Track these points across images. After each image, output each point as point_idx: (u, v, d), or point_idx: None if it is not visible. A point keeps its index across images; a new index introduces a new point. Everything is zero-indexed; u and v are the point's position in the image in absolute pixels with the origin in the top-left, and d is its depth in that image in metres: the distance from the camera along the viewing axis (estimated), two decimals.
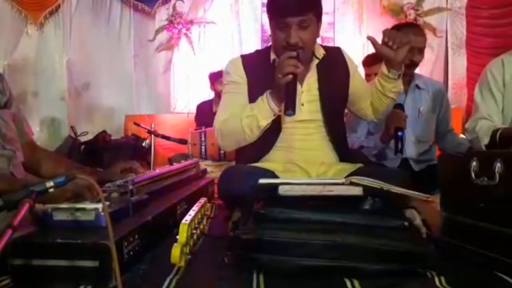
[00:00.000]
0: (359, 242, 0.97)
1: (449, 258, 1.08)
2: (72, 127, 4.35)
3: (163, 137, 3.23)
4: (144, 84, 5.02)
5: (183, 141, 3.28)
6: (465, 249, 1.09)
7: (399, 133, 1.96)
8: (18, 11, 4.83)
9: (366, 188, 1.08)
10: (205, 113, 3.88)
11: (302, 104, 1.62)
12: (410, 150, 2.20)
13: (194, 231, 1.13)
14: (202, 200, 1.32)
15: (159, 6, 4.91)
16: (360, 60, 3.22)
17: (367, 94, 1.76)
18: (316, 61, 1.67)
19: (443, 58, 4.78)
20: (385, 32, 1.57)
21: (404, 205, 1.26)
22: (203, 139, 3.26)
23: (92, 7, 4.92)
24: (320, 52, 1.68)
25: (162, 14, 4.97)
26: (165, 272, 0.97)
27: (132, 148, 4.09)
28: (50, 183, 0.88)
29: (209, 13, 4.95)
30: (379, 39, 1.58)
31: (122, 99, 4.96)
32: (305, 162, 1.60)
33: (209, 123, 3.25)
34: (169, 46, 4.96)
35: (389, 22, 4.51)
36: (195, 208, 1.19)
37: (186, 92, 4.97)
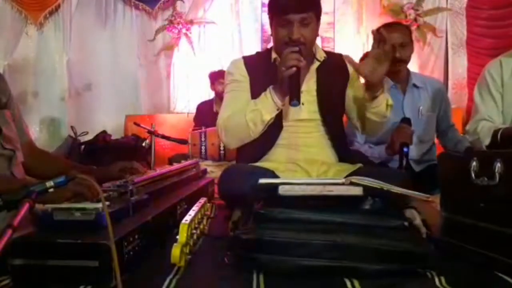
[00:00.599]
0: (359, 242, 0.97)
1: (449, 258, 1.08)
2: (72, 127, 4.34)
3: (163, 137, 3.23)
4: (144, 84, 5.02)
5: (183, 141, 3.28)
6: (465, 249, 1.09)
7: (405, 149, 1.92)
8: (18, 11, 4.83)
9: (366, 188, 1.08)
10: (205, 113, 3.88)
11: (302, 104, 1.63)
12: (412, 150, 2.19)
13: (194, 231, 1.13)
14: (202, 200, 1.32)
15: (160, 6, 4.91)
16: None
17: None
18: (316, 64, 1.68)
19: (443, 58, 4.78)
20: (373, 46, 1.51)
21: (404, 205, 1.26)
22: (203, 139, 3.26)
23: (92, 7, 4.91)
24: (321, 55, 1.70)
25: (162, 14, 4.97)
26: (165, 272, 0.97)
27: (132, 148, 4.09)
28: (50, 183, 0.88)
29: (209, 13, 4.95)
30: None
31: (122, 99, 4.95)
32: (306, 161, 1.61)
33: (209, 123, 3.27)
34: (169, 46, 4.96)
35: None
36: (195, 208, 1.19)
37: (186, 92, 4.97)
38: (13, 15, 4.83)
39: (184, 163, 1.95)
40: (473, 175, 1.11)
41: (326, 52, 1.75)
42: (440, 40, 4.75)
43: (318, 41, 1.71)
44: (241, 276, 0.97)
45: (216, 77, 3.87)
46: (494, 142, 1.73)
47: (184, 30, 4.92)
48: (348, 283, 0.93)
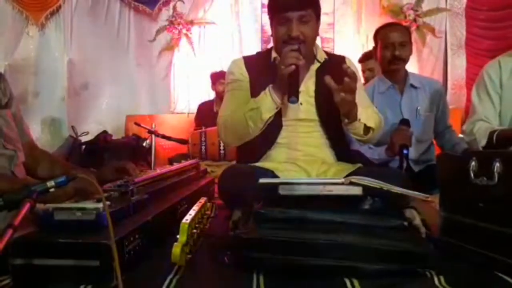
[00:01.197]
0: (359, 242, 0.97)
1: (449, 258, 1.09)
2: (72, 127, 4.35)
3: (164, 137, 3.24)
4: (145, 84, 5.02)
5: (183, 141, 3.29)
6: (464, 249, 1.10)
7: (405, 151, 1.92)
8: (19, 12, 4.83)
9: (366, 188, 1.08)
10: (206, 113, 3.90)
11: (301, 103, 1.63)
12: (410, 151, 2.19)
13: (195, 230, 1.13)
14: (202, 199, 1.33)
15: (160, 7, 4.92)
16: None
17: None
18: (317, 65, 1.69)
19: (443, 58, 4.78)
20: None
21: (403, 205, 1.26)
22: (203, 139, 3.27)
23: (93, 8, 4.91)
24: (322, 56, 1.70)
25: (162, 15, 4.97)
26: (165, 272, 0.97)
27: (132, 148, 4.09)
28: (51, 183, 0.89)
29: (209, 13, 4.96)
30: None
31: (122, 99, 4.95)
32: (306, 161, 1.61)
33: (209, 123, 3.28)
34: (170, 46, 4.96)
35: None
36: (195, 207, 1.19)
37: (187, 92, 4.97)
38: (14, 15, 4.83)
39: (184, 163, 1.95)
40: (472, 175, 1.11)
41: (327, 53, 1.75)
42: (439, 40, 4.76)
43: (318, 41, 1.71)
44: (241, 276, 0.97)
45: (218, 78, 3.90)
46: (490, 143, 1.73)
47: (184, 31, 4.93)
48: (348, 283, 0.93)
